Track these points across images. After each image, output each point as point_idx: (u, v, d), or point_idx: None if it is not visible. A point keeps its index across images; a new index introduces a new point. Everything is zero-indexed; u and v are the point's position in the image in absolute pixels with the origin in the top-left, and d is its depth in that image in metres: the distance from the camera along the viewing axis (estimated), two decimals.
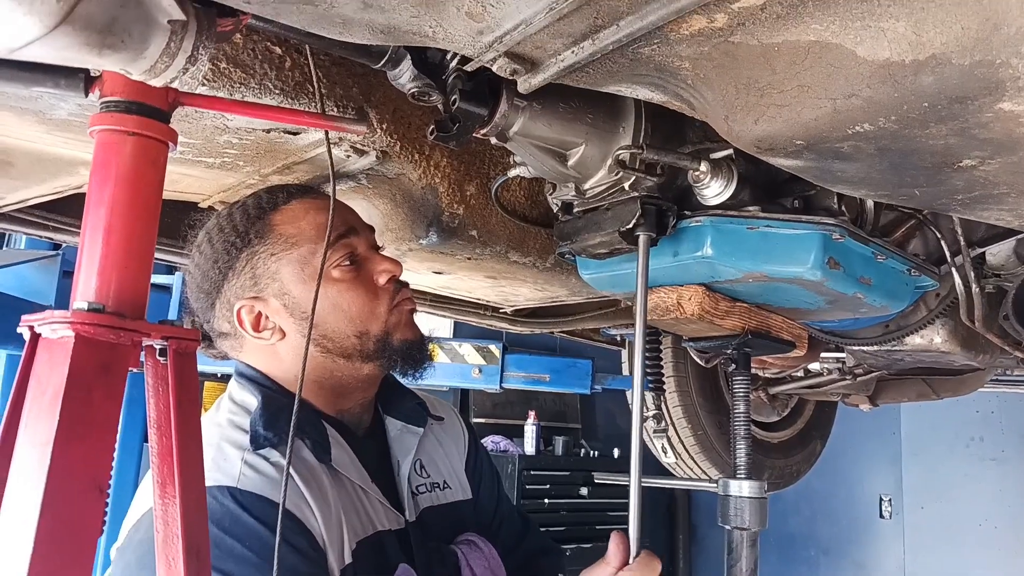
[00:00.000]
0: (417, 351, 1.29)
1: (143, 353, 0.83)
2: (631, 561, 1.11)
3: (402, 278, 1.30)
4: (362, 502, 1.20)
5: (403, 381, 1.39)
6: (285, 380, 1.25)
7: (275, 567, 0.93)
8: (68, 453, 0.71)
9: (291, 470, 1.11)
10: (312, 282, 1.19)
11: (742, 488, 1.30)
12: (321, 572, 1.08)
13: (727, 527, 1.31)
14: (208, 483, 0.91)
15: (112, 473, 0.76)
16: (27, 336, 0.77)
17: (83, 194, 0.84)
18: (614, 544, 1.12)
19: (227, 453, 1.13)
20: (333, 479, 1.18)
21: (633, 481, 1.12)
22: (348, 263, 1.23)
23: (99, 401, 0.74)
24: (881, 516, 6.07)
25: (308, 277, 1.20)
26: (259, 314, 1.22)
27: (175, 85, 0.81)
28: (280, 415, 1.16)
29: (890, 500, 6.04)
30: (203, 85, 1.05)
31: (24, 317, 0.77)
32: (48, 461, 0.70)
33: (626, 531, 1.13)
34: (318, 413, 1.24)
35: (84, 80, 0.84)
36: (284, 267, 1.21)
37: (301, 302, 1.21)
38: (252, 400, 1.21)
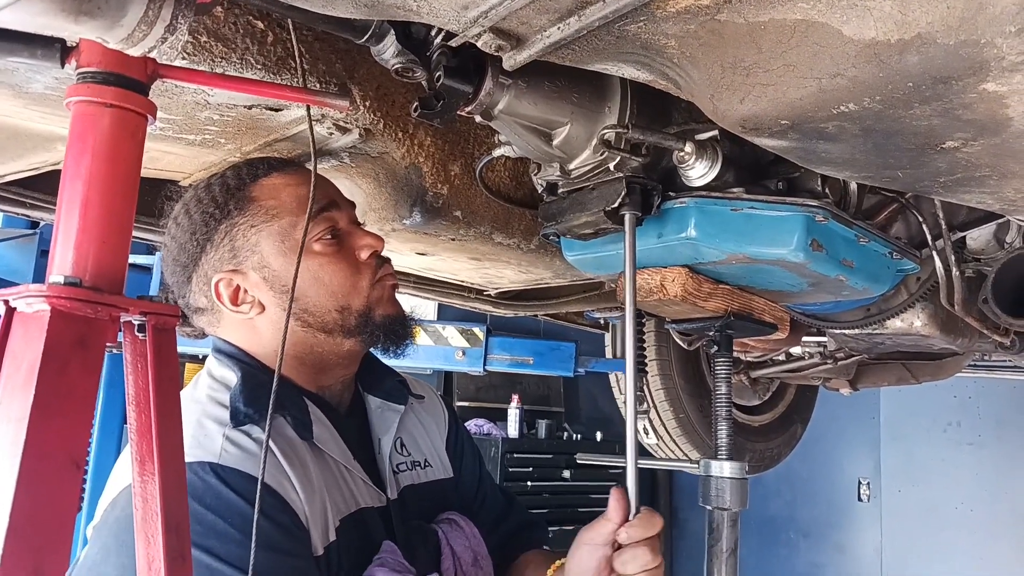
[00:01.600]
0: (399, 327, 1.28)
1: (121, 329, 0.82)
2: (631, 517, 1.09)
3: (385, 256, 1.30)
4: (344, 480, 1.19)
5: (384, 359, 1.38)
6: (264, 356, 1.23)
7: (252, 541, 0.92)
8: (44, 429, 0.70)
9: (273, 447, 1.11)
10: (292, 255, 1.17)
11: (723, 468, 1.31)
12: (303, 549, 1.08)
13: (708, 507, 1.31)
14: (189, 459, 0.91)
15: (92, 453, 0.75)
16: (2, 311, 0.76)
17: (60, 170, 0.83)
18: (614, 500, 1.09)
19: (208, 429, 1.12)
20: (315, 456, 1.17)
21: (630, 438, 1.12)
22: (329, 237, 1.22)
23: (76, 376, 0.73)
24: (860, 499, 6.16)
25: (288, 250, 1.19)
26: (237, 287, 1.20)
27: (154, 55, 0.79)
28: (260, 391, 1.14)
29: (868, 483, 6.12)
30: (183, 59, 1.03)
31: None
32: (24, 437, 0.69)
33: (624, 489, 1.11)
34: (299, 389, 1.23)
35: (60, 50, 0.82)
36: (264, 239, 1.19)
37: (281, 275, 1.19)
38: (231, 376, 1.19)
